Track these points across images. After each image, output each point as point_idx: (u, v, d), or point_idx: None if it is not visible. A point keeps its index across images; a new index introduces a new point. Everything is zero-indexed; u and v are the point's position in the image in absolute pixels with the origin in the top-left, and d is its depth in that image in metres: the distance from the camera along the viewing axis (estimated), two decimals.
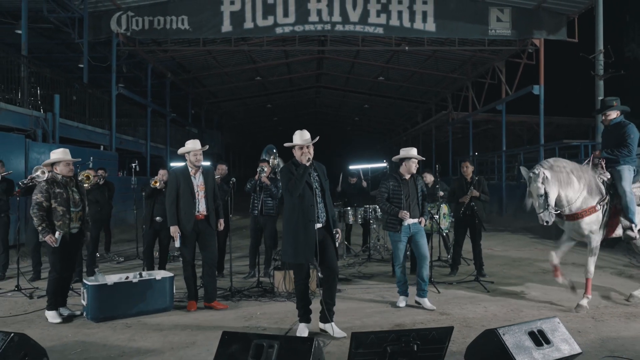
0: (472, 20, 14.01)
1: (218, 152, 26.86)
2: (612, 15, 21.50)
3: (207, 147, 5.69)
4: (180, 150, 5.64)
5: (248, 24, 13.93)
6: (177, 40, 15.18)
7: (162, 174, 7.52)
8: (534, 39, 14.38)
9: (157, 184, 7.10)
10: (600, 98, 5.94)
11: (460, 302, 5.79)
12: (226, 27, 13.97)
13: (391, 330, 3.48)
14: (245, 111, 31.27)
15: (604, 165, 5.58)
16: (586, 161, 5.72)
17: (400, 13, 13.93)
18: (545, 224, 5.16)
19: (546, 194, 5.09)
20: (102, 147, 13.34)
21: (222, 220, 5.76)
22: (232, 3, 13.88)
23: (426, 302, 5.55)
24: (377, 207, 8.73)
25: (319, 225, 4.47)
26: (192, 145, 5.55)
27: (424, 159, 5.94)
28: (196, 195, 5.44)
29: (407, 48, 15.60)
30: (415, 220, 5.67)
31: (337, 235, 4.64)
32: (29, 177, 6.79)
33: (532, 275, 7.40)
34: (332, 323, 4.52)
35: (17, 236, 6.66)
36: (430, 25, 14.00)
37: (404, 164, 5.73)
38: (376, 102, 28.31)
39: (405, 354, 3.38)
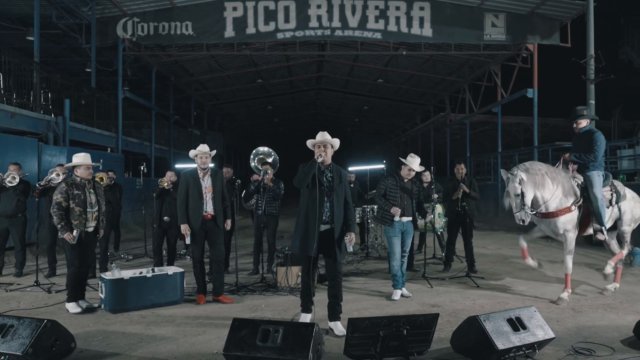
0: (468, 25, 14.43)
1: (220, 154, 27.27)
2: (607, 19, 21.94)
3: (215, 151, 6.09)
4: (191, 153, 6.05)
5: (250, 30, 14.35)
6: (181, 45, 15.58)
7: (169, 175, 7.96)
8: (528, 43, 14.80)
9: (165, 184, 7.52)
10: (580, 106, 6.34)
11: (451, 296, 6.20)
12: (229, 32, 14.39)
13: (383, 317, 3.88)
14: (247, 113, 31.69)
15: (573, 168, 5.99)
16: (558, 163, 6.13)
17: (398, 19, 14.36)
18: (521, 223, 5.55)
19: (522, 194, 5.50)
20: (109, 149, 13.76)
21: (229, 221, 6.16)
22: (234, 9, 14.31)
23: (404, 290, 6.15)
24: (375, 207, 9.17)
25: (325, 227, 4.74)
26: (200, 148, 5.96)
27: (423, 169, 6.38)
28: (204, 197, 5.83)
29: (404, 53, 16.02)
30: (409, 218, 6.12)
31: (349, 238, 4.86)
32: (45, 179, 7.22)
33: (520, 271, 7.79)
34: (337, 322, 4.78)
35: (36, 235, 7.05)
36: (427, 31, 14.41)
37: (403, 167, 6.18)
38: (375, 104, 28.72)
39: (396, 337, 3.79)
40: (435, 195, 8.23)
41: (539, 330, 4.05)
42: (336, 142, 4.87)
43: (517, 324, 4.00)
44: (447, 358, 4.05)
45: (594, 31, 13.26)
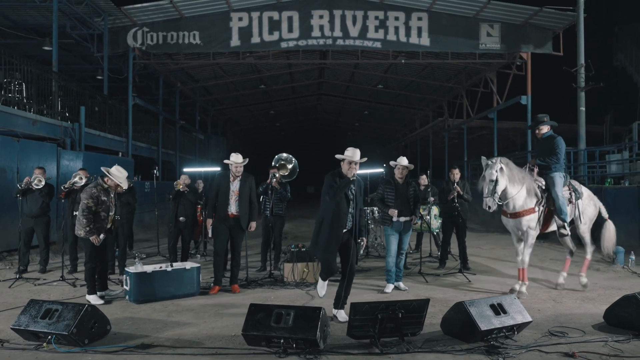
0: (464, 35, 15.03)
1: (223, 157, 27.83)
2: (602, 26, 22.55)
3: (247, 160, 6.69)
4: (226, 161, 6.73)
5: (255, 39, 14.96)
6: (188, 53, 16.17)
7: (183, 178, 8.59)
8: (521, 52, 15.39)
9: (180, 187, 8.12)
10: (541, 114, 6.92)
11: (444, 289, 6.77)
12: (235, 41, 15.00)
13: (381, 301, 4.44)
14: (249, 117, 32.31)
15: (536, 172, 6.56)
16: (525, 167, 6.69)
17: (397, 28, 14.97)
18: (487, 208, 6.04)
19: (496, 182, 6.01)
20: (120, 153, 14.34)
21: (253, 223, 6.73)
22: (240, 19, 14.92)
23: (400, 284, 6.74)
24: (375, 209, 9.77)
25: (344, 230, 5.30)
26: (234, 158, 6.64)
27: (412, 166, 6.95)
28: (230, 198, 6.52)
29: (403, 61, 16.62)
30: (406, 218, 6.69)
31: (362, 243, 5.51)
32: (69, 182, 7.80)
33: (510, 269, 8.31)
34: (342, 310, 5.30)
35: (62, 233, 7.61)
36: (425, 40, 15.02)
37: (395, 170, 6.78)
38: (376, 109, 29.30)
39: (392, 320, 4.35)
40: (432, 198, 8.84)
41: (518, 315, 4.61)
42: (363, 160, 5.38)
43: (498, 309, 4.55)
44: (437, 339, 4.60)
45: (587, 40, 13.89)
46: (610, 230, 6.96)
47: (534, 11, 14.38)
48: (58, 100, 11.06)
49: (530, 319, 4.62)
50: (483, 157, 6.36)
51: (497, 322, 4.45)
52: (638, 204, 9.85)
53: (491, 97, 18.50)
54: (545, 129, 6.69)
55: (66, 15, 12.94)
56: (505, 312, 4.56)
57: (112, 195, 6.29)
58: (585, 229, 6.80)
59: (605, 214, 7.00)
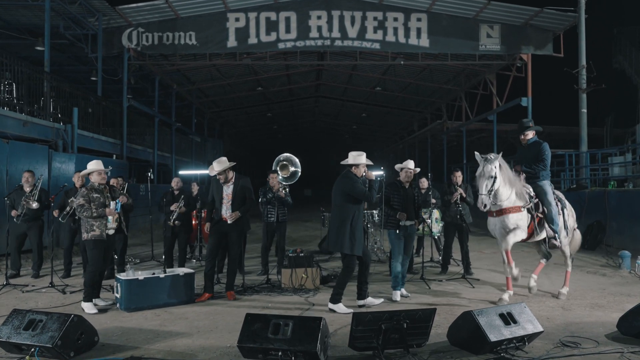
0: (464, 36, 14.86)
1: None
2: (601, 28, 22.42)
3: (224, 167, 6.39)
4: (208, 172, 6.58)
5: (252, 40, 14.75)
6: (184, 54, 15.94)
7: (176, 181, 8.38)
8: (522, 54, 15.22)
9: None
10: (526, 119, 6.63)
11: (448, 295, 6.53)
12: (231, 42, 14.78)
13: (385, 311, 4.21)
14: (246, 120, 32.08)
15: (523, 178, 6.22)
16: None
17: (395, 29, 14.78)
18: (483, 207, 5.73)
19: (495, 179, 5.71)
20: (114, 156, 14.07)
21: (236, 213, 6.30)
22: (237, 20, 14.71)
23: (403, 291, 6.49)
24: (374, 212, 9.53)
25: None
26: (214, 167, 6.37)
27: (419, 169, 6.73)
28: (223, 202, 6.32)
29: (402, 62, 16.43)
30: (411, 222, 6.47)
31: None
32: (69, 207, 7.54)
33: None
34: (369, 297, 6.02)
35: (52, 238, 7.35)
36: (424, 41, 14.84)
37: (401, 172, 6.56)
38: (374, 111, 29.13)
39: (397, 330, 4.11)
40: (434, 201, 8.60)
41: (529, 324, 4.38)
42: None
43: (508, 319, 4.32)
44: (444, 350, 4.37)
45: (587, 41, 13.74)
46: (576, 238, 6.82)
47: (535, 12, 14.22)
48: (50, 101, 10.80)
49: (541, 329, 4.39)
50: (476, 153, 6.05)
51: (507, 332, 4.22)
52: None
53: (491, 99, 18.34)
54: (530, 134, 6.37)
55: (59, 15, 12.70)
56: (515, 321, 4.33)
57: (108, 195, 6.06)
58: (566, 242, 6.48)
59: (575, 224, 6.80)
